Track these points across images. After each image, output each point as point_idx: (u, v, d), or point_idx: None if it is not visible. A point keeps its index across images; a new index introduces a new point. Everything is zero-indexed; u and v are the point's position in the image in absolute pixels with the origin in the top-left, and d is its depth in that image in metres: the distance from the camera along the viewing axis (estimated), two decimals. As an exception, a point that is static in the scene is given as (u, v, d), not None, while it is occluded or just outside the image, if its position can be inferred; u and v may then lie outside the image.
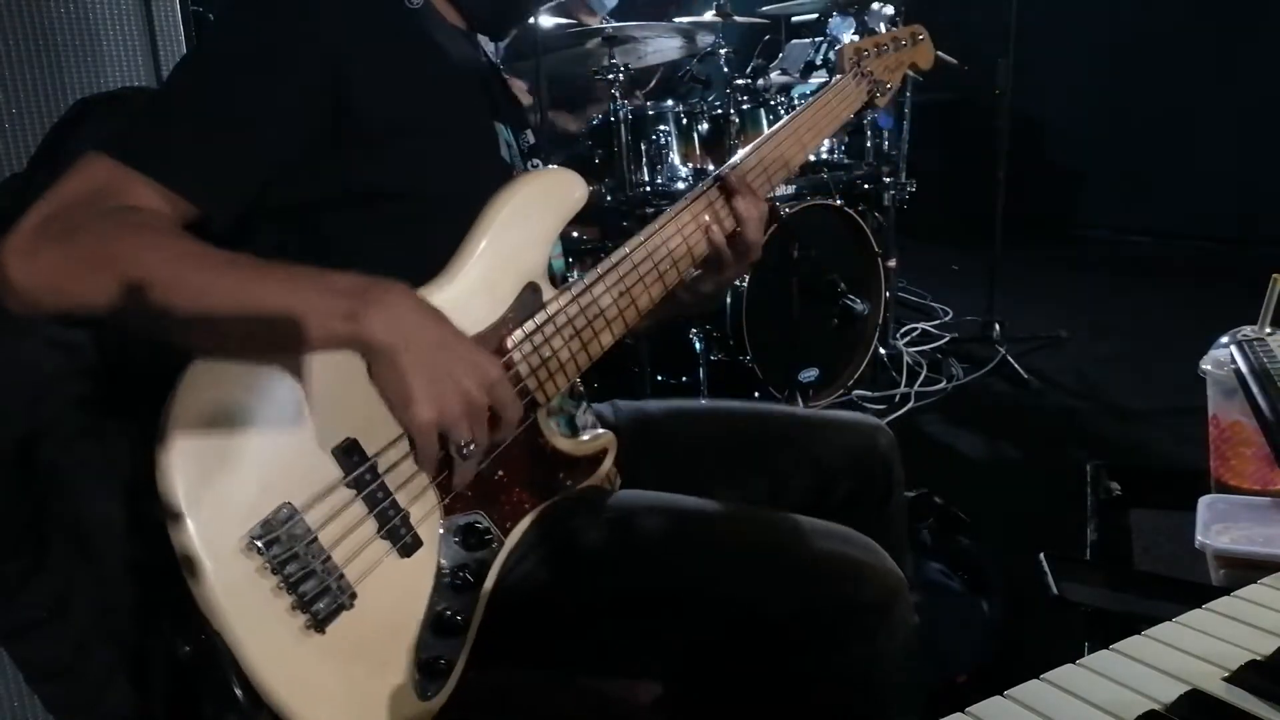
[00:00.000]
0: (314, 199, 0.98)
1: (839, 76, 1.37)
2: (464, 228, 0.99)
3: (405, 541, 0.91)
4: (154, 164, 0.86)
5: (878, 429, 1.29)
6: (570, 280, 1.06)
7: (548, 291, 1.03)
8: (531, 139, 1.21)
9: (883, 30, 1.43)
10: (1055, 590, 1.12)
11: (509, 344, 0.99)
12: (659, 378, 2.87)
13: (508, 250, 1.00)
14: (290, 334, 0.82)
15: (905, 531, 1.34)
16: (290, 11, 0.94)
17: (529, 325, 1.01)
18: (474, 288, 0.97)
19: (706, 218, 1.15)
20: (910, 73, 1.50)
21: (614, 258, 1.08)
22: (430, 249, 0.97)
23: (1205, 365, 1.36)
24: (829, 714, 0.96)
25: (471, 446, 0.89)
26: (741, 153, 1.23)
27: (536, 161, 1.19)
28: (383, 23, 1.01)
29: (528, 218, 1.02)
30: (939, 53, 1.60)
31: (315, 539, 0.84)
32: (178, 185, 0.87)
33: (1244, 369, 1.23)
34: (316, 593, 0.84)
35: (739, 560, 1.00)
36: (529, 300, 1.01)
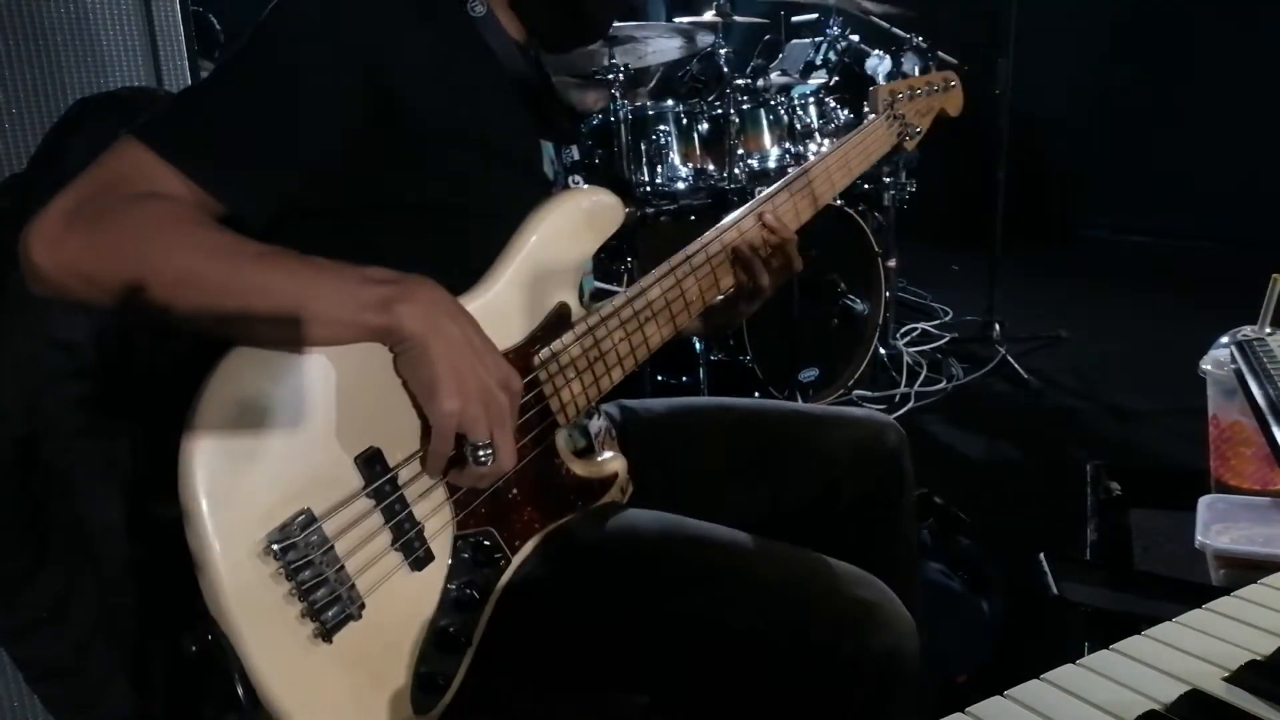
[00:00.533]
0: (352, 204, 0.97)
1: (872, 116, 1.38)
2: (500, 241, 0.99)
3: (418, 555, 0.91)
4: (189, 160, 0.85)
5: (887, 426, 1.28)
6: (599, 302, 1.06)
7: (576, 312, 1.03)
8: (575, 155, 1.21)
9: (916, 73, 1.44)
10: (1055, 590, 1.12)
11: (535, 362, 0.99)
12: (659, 378, 2.87)
13: (542, 268, 1.00)
14: (322, 324, 0.82)
15: (915, 531, 1.33)
16: (344, 14, 0.93)
17: (556, 345, 1.01)
18: (506, 303, 0.97)
19: (735, 251, 1.17)
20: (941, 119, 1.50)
21: (643, 283, 1.09)
22: (464, 261, 0.96)
23: (1205, 365, 1.36)
24: None
25: (488, 451, 0.88)
26: (772, 189, 1.24)
27: (577, 178, 1.18)
28: (440, 28, 0.99)
29: (564, 237, 1.02)
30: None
31: (331, 547, 0.84)
32: (211, 185, 0.86)
33: (1244, 369, 1.23)
34: (327, 601, 0.83)
35: (746, 593, 0.98)
36: (558, 320, 1.01)
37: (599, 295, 1.16)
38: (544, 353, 1.00)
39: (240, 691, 0.80)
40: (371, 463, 0.87)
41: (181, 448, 0.78)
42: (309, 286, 0.83)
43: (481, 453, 0.87)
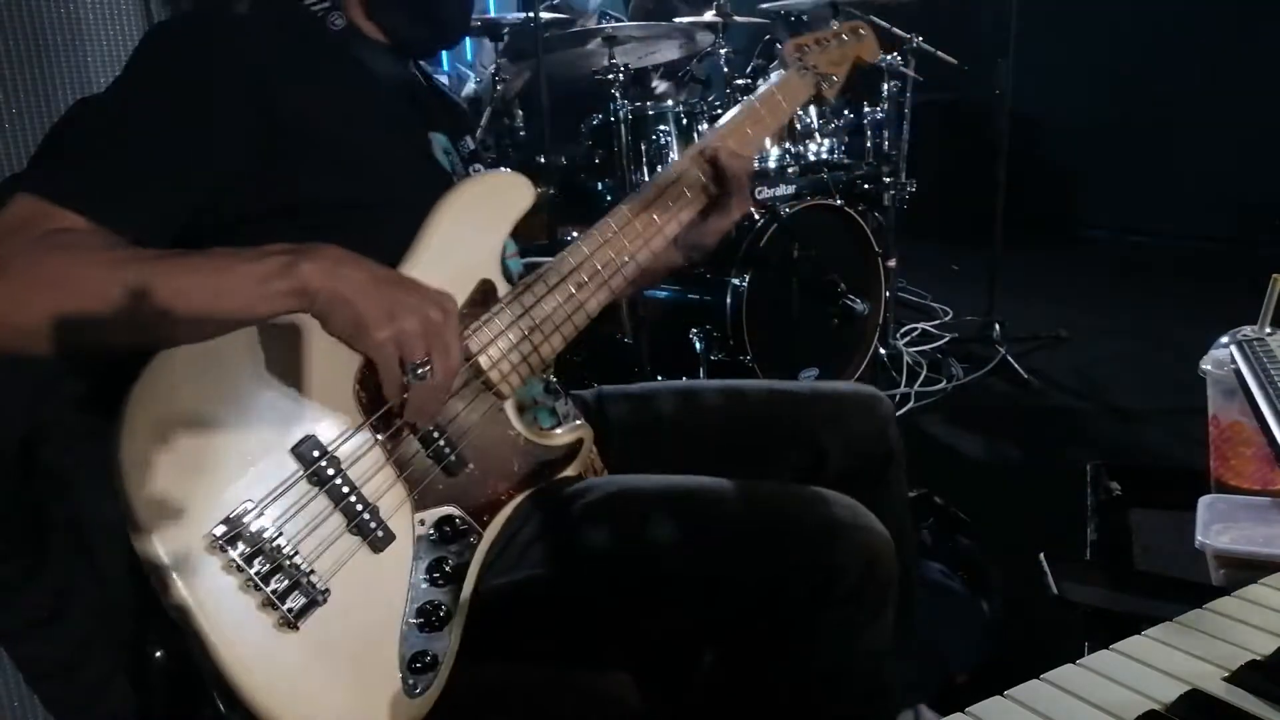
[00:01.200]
0: (254, 212, 0.98)
1: (780, 71, 1.40)
2: (407, 234, 1.00)
3: (376, 536, 0.91)
4: (79, 199, 0.86)
5: (874, 397, 1.30)
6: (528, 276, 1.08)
7: (503, 287, 1.05)
8: (471, 145, 1.23)
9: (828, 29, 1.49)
10: (1055, 590, 1.12)
11: (464, 335, 1.00)
12: (659, 378, 2.87)
13: (455, 250, 1.02)
14: (234, 304, 0.83)
15: (906, 499, 1.35)
16: (210, 39, 0.96)
17: (485, 316, 1.02)
18: None
19: (655, 218, 1.19)
20: (859, 66, 1.53)
21: (568, 249, 1.11)
22: (376, 255, 0.97)
23: (1205, 365, 1.36)
24: (822, 682, 0.97)
25: (427, 368, 0.88)
26: (696, 146, 1.28)
27: (478, 166, 1.21)
28: (304, 45, 1.03)
29: (474, 218, 1.04)
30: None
31: (279, 534, 0.85)
32: (106, 218, 0.87)
33: (1244, 369, 1.23)
34: (285, 589, 0.84)
35: (715, 534, 1.00)
36: (483, 296, 1.03)
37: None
38: (472, 325, 1.01)
39: (214, 690, 0.81)
40: (308, 450, 0.88)
41: (113, 461, 0.79)
42: (213, 274, 0.84)
43: (421, 369, 0.87)
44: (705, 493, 1.05)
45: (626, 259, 1.14)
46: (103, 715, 0.90)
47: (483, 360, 1.01)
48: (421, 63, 1.24)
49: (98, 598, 0.89)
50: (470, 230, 1.03)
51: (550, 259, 1.11)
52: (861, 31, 1.51)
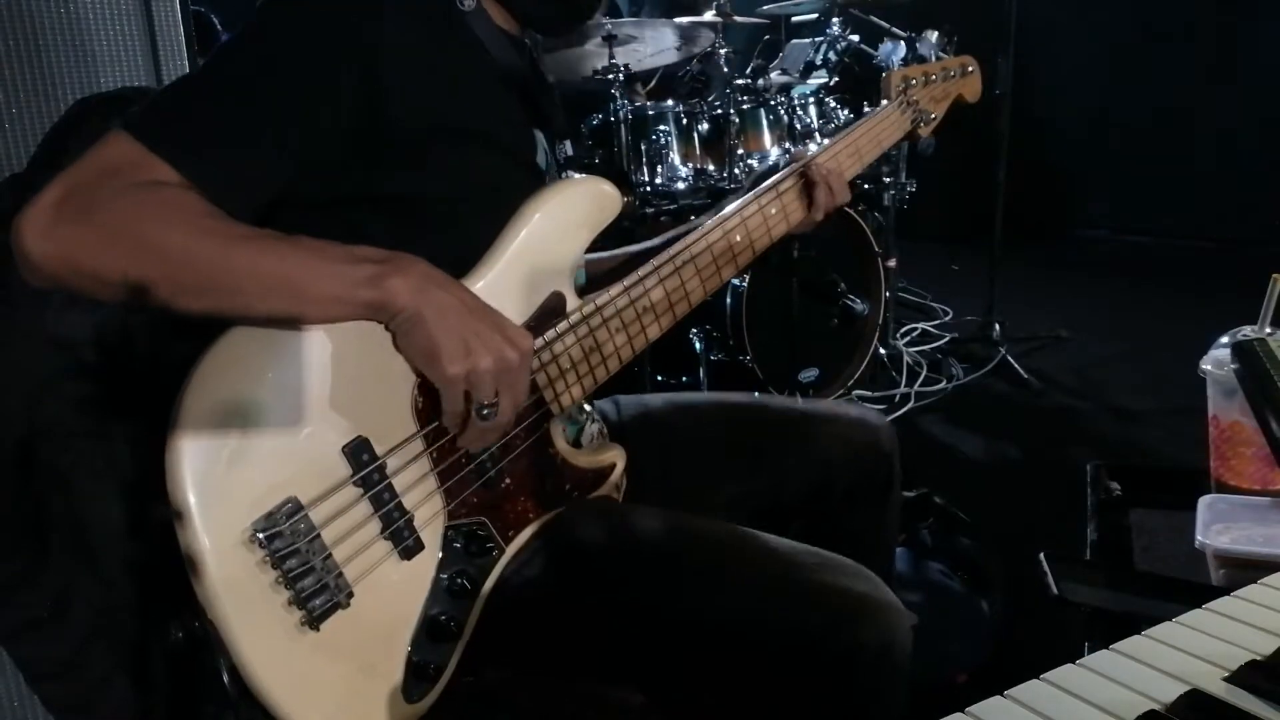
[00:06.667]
0: (343, 195, 0.97)
1: (884, 102, 1.36)
2: (493, 232, 0.99)
3: (407, 544, 0.91)
4: (174, 151, 0.85)
5: (880, 425, 1.29)
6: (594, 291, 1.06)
7: (572, 301, 1.03)
8: (570, 150, 1.21)
9: (932, 59, 1.41)
10: (1055, 590, 1.12)
11: None
12: (659, 378, 2.87)
13: (536, 257, 1.00)
14: (315, 302, 0.83)
15: (896, 528, 1.34)
16: (331, 10, 0.93)
17: (550, 334, 1.01)
18: (498, 292, 0.97)
19: (738, 237, 1.16)
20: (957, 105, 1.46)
21: (640, 272, 1.08)
22: (460, 251, 0.96)
23: (1205, 365, 1.36)
24: None
25: (493, 409, 0.88)
26: (778, 176, 1.23)
27: (570, 174, 1.19)
28: (430, 24, 1.00)
29: (559, 226, 1.02)
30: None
31: (318, 535, 0.85)
32: (195, 176, 0.86)
33: (1244, 369, 1.23)
34: (314, 590, 0.84)
35: (739, 588, 0.98)
36: (552, 308, 1.01)
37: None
38: (538, 342, 1.00)
39: (226, 679, 0.81)
40: (359, 452, 0.88)
41: (166, 451, 0.79)
42: (299, 266, 0.84)
43: (486, 409, 0.88)
44: (732, 543, 1.03)
45: (695, 287, 1.12)
46: (103, 715, 0.90)
47: (540, 377, 1.00)
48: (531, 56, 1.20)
49: (98, 598, 0.89)
50: (552, 238, 1.01)
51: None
52: (970, 68, 1.44)
